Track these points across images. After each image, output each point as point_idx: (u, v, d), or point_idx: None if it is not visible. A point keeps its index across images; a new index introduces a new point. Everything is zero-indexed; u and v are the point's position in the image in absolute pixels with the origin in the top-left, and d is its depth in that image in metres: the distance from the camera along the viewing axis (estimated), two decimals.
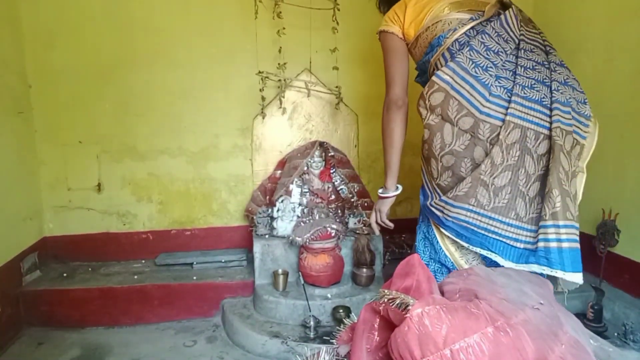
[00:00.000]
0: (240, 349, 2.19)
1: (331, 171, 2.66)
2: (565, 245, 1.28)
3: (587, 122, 1.45)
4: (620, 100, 2.27)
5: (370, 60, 2.83)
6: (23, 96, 2.56)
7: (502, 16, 1.49)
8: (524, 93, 1.37)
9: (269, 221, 2.60)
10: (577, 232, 1.33)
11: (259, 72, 2.56)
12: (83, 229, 2.76)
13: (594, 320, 2.13)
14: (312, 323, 2.12)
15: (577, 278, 1.30)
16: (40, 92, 2.62)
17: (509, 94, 1.37)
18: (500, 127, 1.34)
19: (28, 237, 2.54)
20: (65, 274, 2.56)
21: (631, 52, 2.21)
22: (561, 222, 1.29)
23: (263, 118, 2.72)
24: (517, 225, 1.34)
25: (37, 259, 2.58)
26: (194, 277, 2.55)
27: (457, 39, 1.45)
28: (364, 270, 2.42)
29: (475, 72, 1.38)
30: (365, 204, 2.66)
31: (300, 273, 2.38)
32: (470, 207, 1.36)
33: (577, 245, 1.31)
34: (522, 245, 1.34)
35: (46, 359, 2.13)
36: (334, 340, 1.27)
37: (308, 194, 2.66)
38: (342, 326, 1.31)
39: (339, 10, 2.54)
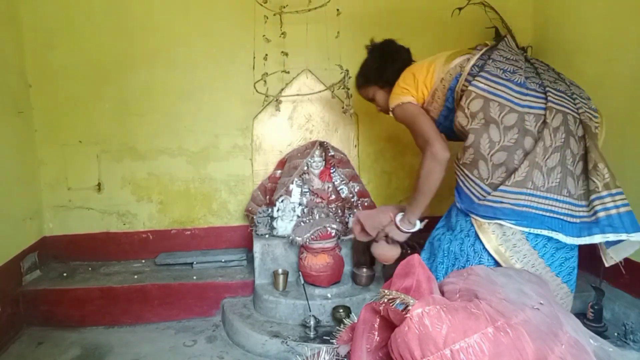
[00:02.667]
0: (240, 348, 2.19)
1: (331, 171, 2.66)
2: (622, 210, 1.41)
3: (596, 115, 1.57)
4: (620, 100, 2.27)
5: None
6: (23, 96, 2.56)
7: (504, 40, 1.69)
8: (553, 86, 1.53)
9: (269, 221, 2.60)
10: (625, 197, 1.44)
11: (265, 73, 2.55)
12: (83, 229, 2.76)
13: (594, 320, 2.13)
14: (312, 323, 2.12)
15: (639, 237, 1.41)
16: (40, 92, 2.62)
17: (542, 87, 1.51)
18: (544, 114, 1.46)
19: (28, 237, 2.54)
20: (65, 274, 2.56)
21: (631, 52, 2.21)
22: (614, 191, 1.42)
23: (265, 109, 2.71)
24: (570, 202, 1.44)
25: (37, 259, 2.58)
26: (194, 277, 2.55)
27: (474, 64, 1.59)
28: (364, 270, 2.42)
29: (506, 76, 1.51)
30: (365, 204, 2.65)
31: (300, 273, 2.38)
32: (528, 191, 1.44)
33: (630, 207, 1.43)
34: (578, 220, 1.45)
35: (46, 358, 2.13)
36: (334, 340, 1.28)
37: (308, 193, 2.66)
38: (342, 326, 1.31)
39: (339, 13, 2.54)
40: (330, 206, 2.66)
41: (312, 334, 2.11)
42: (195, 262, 2.69)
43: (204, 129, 2.80)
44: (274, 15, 2.53)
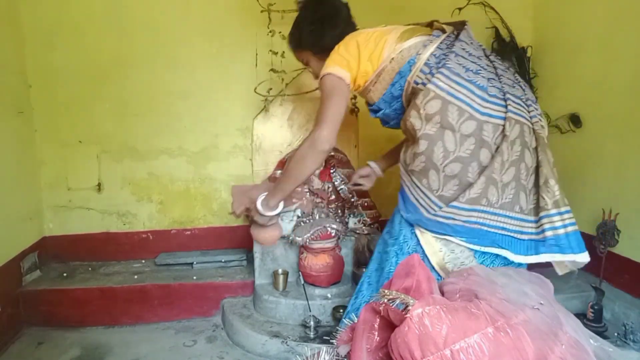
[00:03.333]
0: (240, 348, 2.19)
1: (331, 171, 2.66)
2: (570, 229, 1.36)
3: (542, 117, 1.50)
4: (620, 100, 2.27)
5: None
6: (23, 96, 2.56)
7: (466, 28, 1.53)
8: (512, 91, 1.42)
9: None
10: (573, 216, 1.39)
11: (271, 69, 2.56)
12: (83, 229, 2.76)
13: (594, 320, 2.13)
14: (312, 323, 2.12)
15: (586, 257, 1.38)
16: (40, 92, 2.62)
17: (502, 93, 1.39)
18: (503, 125, 1.36)
19: (28, 237, 2.54)
20: (65, 274, 2.56)
21: (631, 52, 2.21)
22: (563, 209, 1.36)
23: (267, 111, 2.72)
24: (521, 218, 1.39)
25: (37, 259, 2.58)
26: (194, 277, 2.55)
27: (432, 53, 1.43)
28: (364, 270, 2.42)
29: (469, 76, 1.38)
30: (365, 204, 2.66)
31: (300, 273, 2.37)
32: (482, 208, 1.36)
33: (577, 227, 1.39)
34: (526, 237, 1.39)
35: (46, 358, 2.13)
36: (334, 340, 1.27)
37: (308, 194, 2.66)
38: (342, 326, 1.31)
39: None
40: (330, 206, 2.66)
41: (312, 334, 2.11)
42: (195, 262, 2.69)
43: (204, 129, 2.80)
44: (274, 12, 2.53)
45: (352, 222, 2.59)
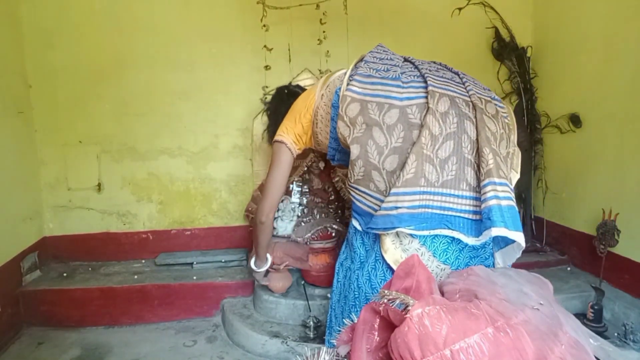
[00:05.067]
0: (240, 348, 2.19)
1: (331, 171, 2.66)
2: (504, 203, 1.23)
3: (502, 104, 1.47)
4: (620, 100, 2.27)
5: None
6: (23, 96, 2.56)
7: (379, 45, 1.65)
8: (435, 74, 1.43)
9: None
10: (512, 192, 1.28)
11: (267, 66, 2.56)
12: (83, 229, 2.76)
13: (594, 320, 2.13)
14: (312, 323, 2.12)
15: (520, 237, 1.24)
16: (40, 92, 2.62)
17: (421, 77, 1.42)
18: (426, 101, 1.33)
19: (28, 237, 2.54)
20: (65, 274, 2.56)
21: (631, 52, 2.21)
22: (497, 180, 1.24)
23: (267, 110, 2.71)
24: (472, 196, 1.29)
25: (37, 259, 2.58)
26: (194, 277, 2.55)
27: (350, 74, 1.51)
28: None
29: (380, 74, 1.44)
30: None
31: (300, 273, 2.37)
32: (422, 189, 1.29)
33: (514, 203, 1.26)
34: (480, 217, 1.28)
35: (46, 358, 2.13)
36: (334, 340, 1.27)
37: (308, 194, 2.66)
38: (342, 326, 1.31)
39: (346, 13, 2.55)
40: (330, 206, 2.66)
41: (312, 334, 2.11)
42: (195, 262, 2.69)
43: (204, 129, 2.80)
44: (275, 9, 2.53)
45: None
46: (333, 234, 2.39)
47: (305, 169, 2.66)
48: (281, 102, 1.97)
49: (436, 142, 1.29)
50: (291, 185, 2.62)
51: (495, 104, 1.43)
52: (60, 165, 2.70)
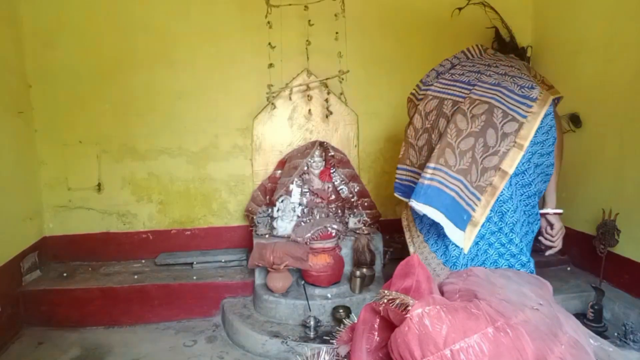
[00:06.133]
0: (240, 348, 2.19)
1: (331, 171, 2.66)
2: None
3: (530, 104, 1.53)
4: (620, 100, 2.27)
5: (370, 61, 2.84)
6: (23, 96, 2.56)
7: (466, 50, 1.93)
8: (453, 77, 1.70)
9: (269, 221, 2.60)
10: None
11: (270, 64, 2.56)
12: (83, 229, 2.76)
13: (594, 320, 2.13)
14: (312, 323, 2.12)
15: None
16: (40, 92, 2.62)
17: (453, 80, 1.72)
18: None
19: (28, 237, 2.54)
20: (65, 274, 2.56)
21: (631, 52, 2.21)
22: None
23: (272, 108, 2.72)
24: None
25: (37, 259, 2.58)
26: (194, 277, 2.55)
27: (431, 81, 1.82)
28: (365, 270, 2.41)
29: (452, 77, 1.73)
30: (365, 204, 2.65)
31: (300, 273, 2.37)
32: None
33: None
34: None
35: (46, 358, 2.13)
36: (333, 340, 1.27)
37: (308, 193, 2.66)
38: (342, 326, 1.31)
39: (344, 16, 2.54)
40: (330, 206, 2.67)
41: (312, 334, 2.11)
42: (195, 262, 2.69)
43: (204, 129, 2.80)
44: (275, 8, 2.53)
45: (352, 222, 2.59)
46: (333, 234, 2.39)
47: (305, 168, 2.66)
48: None
49: (417, 134, 1.69)
50: (291, 185, 2.62)
51: (496, 104, 1.53)
52: (60, 165, 2.70)
